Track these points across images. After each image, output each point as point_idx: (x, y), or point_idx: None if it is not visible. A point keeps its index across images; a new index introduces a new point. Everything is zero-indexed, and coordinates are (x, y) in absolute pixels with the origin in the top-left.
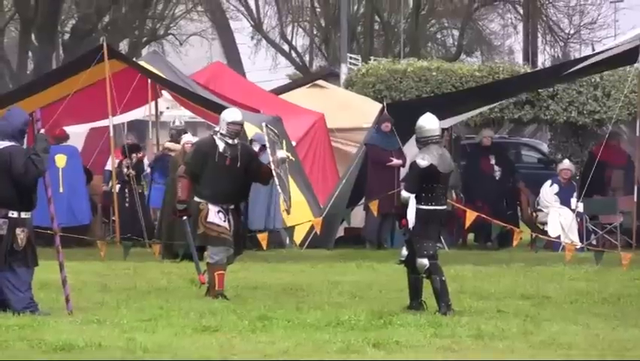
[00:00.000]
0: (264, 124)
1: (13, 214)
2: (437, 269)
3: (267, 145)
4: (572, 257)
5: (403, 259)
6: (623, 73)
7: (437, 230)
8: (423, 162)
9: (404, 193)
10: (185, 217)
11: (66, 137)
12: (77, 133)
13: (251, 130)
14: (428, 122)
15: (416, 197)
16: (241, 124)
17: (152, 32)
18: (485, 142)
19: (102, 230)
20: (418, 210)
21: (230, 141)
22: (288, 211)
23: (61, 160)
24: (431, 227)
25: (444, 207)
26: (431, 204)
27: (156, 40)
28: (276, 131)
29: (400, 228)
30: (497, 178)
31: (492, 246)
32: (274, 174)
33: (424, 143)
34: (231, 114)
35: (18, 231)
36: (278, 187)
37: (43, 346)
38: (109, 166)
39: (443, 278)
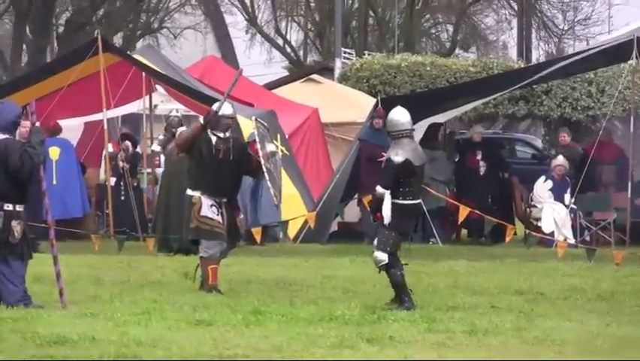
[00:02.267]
0: (253, 118)
1: (9, 207)
2: (396, 262)
3: (257, 139)
4: (564, 253)
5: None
6: (617, 69)
7: (412, 224)
8: (397, 157)
9: (379, 189)
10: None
11: (59, 130)
12: (72, 126)
13: (245, 124)
14: (400, 116)
15: (393, 192)
16: (232, 117)
17: (146, 25)
18: (475, 138)
19: (95, 223)
20: (396, 205)
21: (221, 135)
22: (277, 206)
23: (54, 153)
24: (407, 222)
25: (419, 200)
26: (408, 199)
27: (150, 34)
28: (265, 124)
29: (374, 221)
30: (481, 173)
31: (485, 242)
32: (264, 168)
33: (395, 137)
34: (222, 108)
35: (14, 223)
36: (268, 182)
37: (36, 339)
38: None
39: (403, 271)
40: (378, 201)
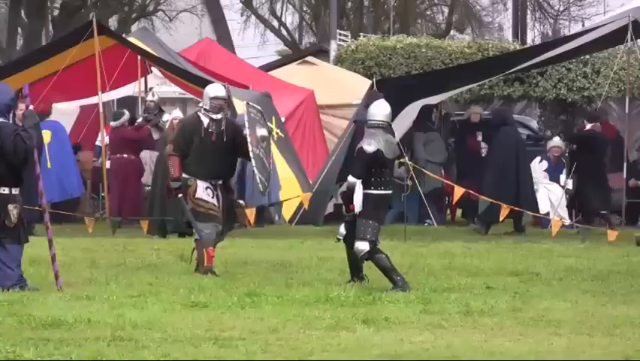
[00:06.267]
0: (244, 102)
1: (5, 190)
2: (377, 250)
3: (247, 124)
4: (558, 233)
5: (341, 237)
6: (613, 50)
7: (385, 213)
8: (369, 147)
9: (351, 178)
10: (180, 195)
11: (49, 112)
12: (69, 110)
13: (240, 107)
14: (380, 109)
15: (366, 182)
16: (224, 99)
17: (141, 8)
18: (473, 118)
19: (91, 206)
20: (368, 195)
21: (214, 116)
22: (263, 193)
23: (46, 136)
24: (380, 211)
25: (390, 191)
26: (380, 189)
27: (146, 17)
28: (259, 108)
29: (347, 212)
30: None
31: (479, 229)
32: (251, 155)
33: (371, 126)
34: (214, 89)
35: (10, 207)
36: (254, 168)
37: (32, 322)
38: (99, 142)
39: (387, 254)
40: (350, 192)
